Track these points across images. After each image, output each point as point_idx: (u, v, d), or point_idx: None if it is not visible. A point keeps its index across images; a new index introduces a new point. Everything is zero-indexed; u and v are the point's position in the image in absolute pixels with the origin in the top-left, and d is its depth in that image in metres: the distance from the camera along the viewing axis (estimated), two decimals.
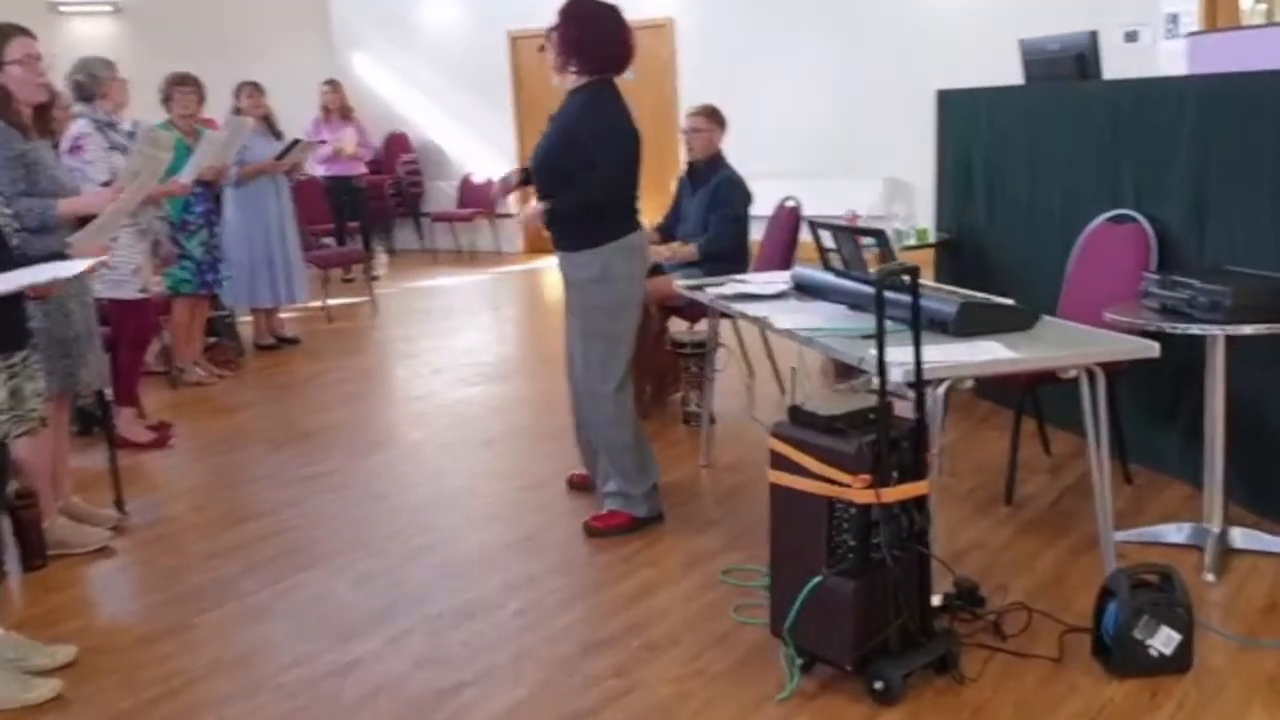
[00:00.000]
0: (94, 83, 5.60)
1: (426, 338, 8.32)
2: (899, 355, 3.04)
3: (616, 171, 4.07)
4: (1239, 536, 3.79)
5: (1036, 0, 8.87)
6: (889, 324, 3.61)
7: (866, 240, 3.78)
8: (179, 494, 5.00)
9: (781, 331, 3.79)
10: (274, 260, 7.76)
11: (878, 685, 2.96)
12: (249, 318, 8.10)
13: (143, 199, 4.38)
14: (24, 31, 4.10)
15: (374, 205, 11.57)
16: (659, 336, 5.87)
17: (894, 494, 2.93)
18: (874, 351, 3.23)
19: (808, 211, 5.76)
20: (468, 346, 8.02)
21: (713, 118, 5.98)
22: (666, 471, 4.91)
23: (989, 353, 3.25)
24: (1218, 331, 3.47)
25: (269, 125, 7.92)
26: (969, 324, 3.43)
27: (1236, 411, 3.75)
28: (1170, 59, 7.98)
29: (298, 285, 7.97)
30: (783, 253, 6.00)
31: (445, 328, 8.76)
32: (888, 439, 2.93)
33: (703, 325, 5.86)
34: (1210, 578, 3.57)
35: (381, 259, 11.61)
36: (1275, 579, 3.58)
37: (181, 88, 6.80)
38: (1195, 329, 3.50)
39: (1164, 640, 3.01)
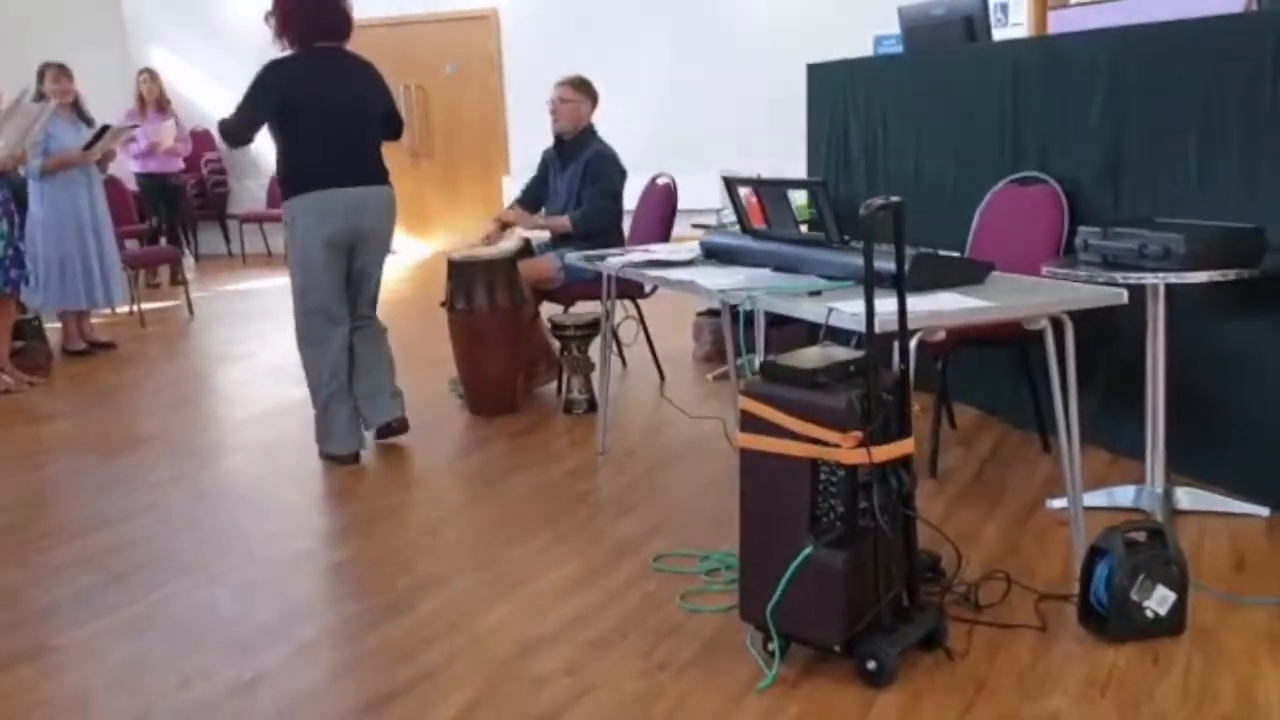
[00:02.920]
0: None
1: (253, 339, 7.69)
2: (856, 309, 2.79)
3: (238, 123, 4.55)
4: (1184, 497, 3.68)
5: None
6: (825, 281, 3.42)
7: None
8: (11, 506, 4.35)
9: (716, 293, 3.49)
10: (88, 259, 7.06)
11: (870, 665, 2.68)
12: (55, 324, 7.33)
13: None
14: None
15: (182, 205, 10.80)
16: (532, 321, 5.49)
17: (886, 452, 2.66)
18: (833, 306, 3.00)
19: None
20: None
21: (580, 89, 5.64)
22: (560, 461, 4.62)
23: (956, 303, 3.03)
24: (1172, 280, 3.34)
25: (78, 112, 7.22)
26: (923, 277, 3.20)
27: (1169, 372, 3.65)
28: None
29: (114, 286, 7.28)
30: (659, 231, 5.71)
31: (271, 328, 8.12)
32: (878, 392, 2.66)
33: (578, 309, 5.54)
34: None
35: (189, 262, 10.81)
36: (1231, 537, 3.47)
37: None
38: (1149, 279, 3.37)
39: (1159, 600, 2.83)
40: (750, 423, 2.77)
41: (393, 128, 4.85)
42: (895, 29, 5.59)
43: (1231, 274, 3.31)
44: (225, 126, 4.58)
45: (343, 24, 4.62)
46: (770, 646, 2.79)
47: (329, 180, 4.52)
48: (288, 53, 4.57)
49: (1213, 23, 3.83)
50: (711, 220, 6.14)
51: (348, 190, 4.54)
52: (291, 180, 4.57)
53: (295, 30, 4.54)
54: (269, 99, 4.48)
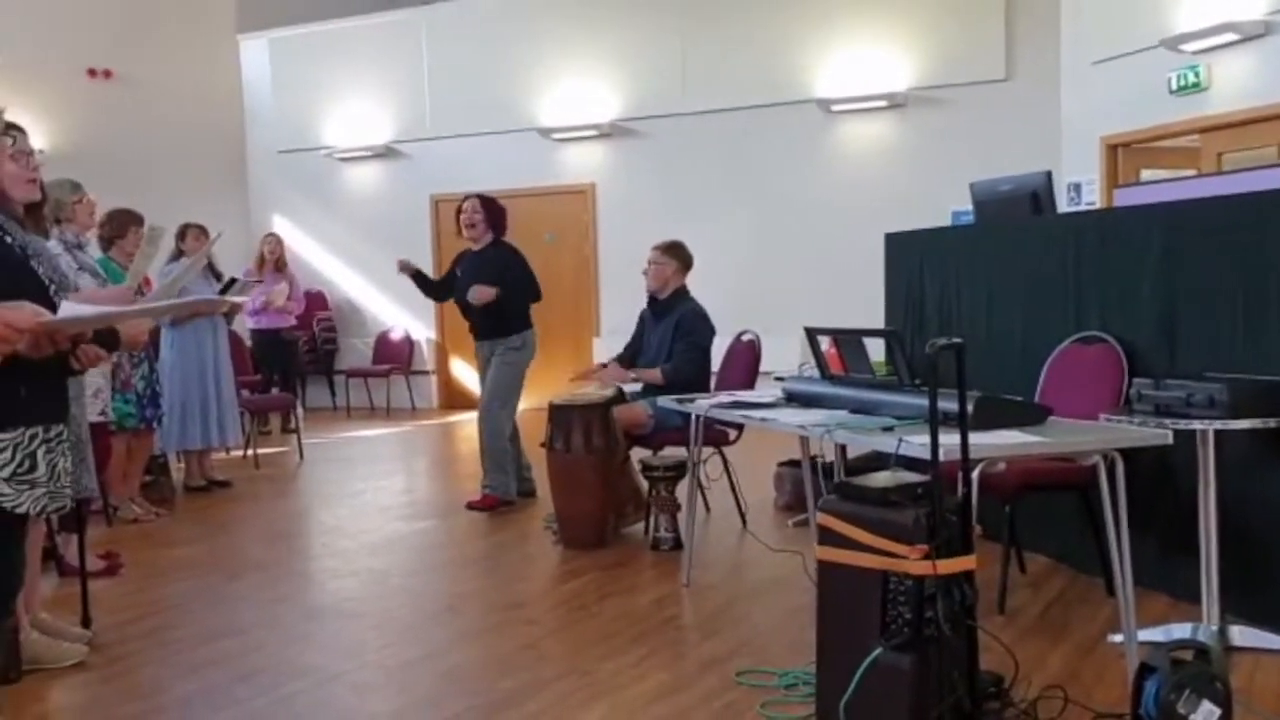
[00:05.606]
0: (59, 207, 5.55)
1: (360, 480, 8.16)
2: (924, 440, 3.13)
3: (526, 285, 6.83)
4: (1237, 634, 3.91)
5: (938, 178, 9.52)
6: (897, 421, 3.77)
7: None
8: (144, 615, 4.76)
9: (796, 429, 3.86)
10: (208, 401, 7.61)
11: None
12: (179, 465, 7.90)
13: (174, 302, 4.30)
14: (14, 127, 4.03)
15: (294, 360, 11.48)
16: (623, 464, 5.89)
17: (949, 566, 2.98)
18: (907, 439, 3.34)
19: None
20: (405, 487, 7.92)
21: (669, 252, 6.15)
22: (648, 591, 4.96)
23: (1015, 439, 3.36)
24: (1218, 426, 3.65)
25: (210, 267, 7.89)
26: (986, 417, 3.54)
27: (1222, 517, 3.91)
28: None
29: (230, 427, 7.81)
30: (743, 384, 6.10)
31: (377, 471, 8.64)
32: (942, 510, 2.99)
33: (666, 452, 5.91)
34: None
35: (298, 412, 11.43)
36: None
37: (140, 228, 6.74)
38: (1196, 425, 3.68)
39: (1205, 715, 3.06)
40: (827, 536, 3.11)
41: None
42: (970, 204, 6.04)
43: (1272, 422, 3.62)
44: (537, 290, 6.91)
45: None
46: None
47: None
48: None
49: (1254, 197, 4.22)
50: None
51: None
52: (526, 317, 6.83)
53: (504, 228, 6.85)
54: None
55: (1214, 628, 3.90)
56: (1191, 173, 8.52)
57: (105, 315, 3.05)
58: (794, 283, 10.58)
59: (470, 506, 6.63)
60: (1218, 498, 3.89)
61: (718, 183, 11.11)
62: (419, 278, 7.19)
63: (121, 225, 6.75)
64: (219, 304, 6.50)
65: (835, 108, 10.64)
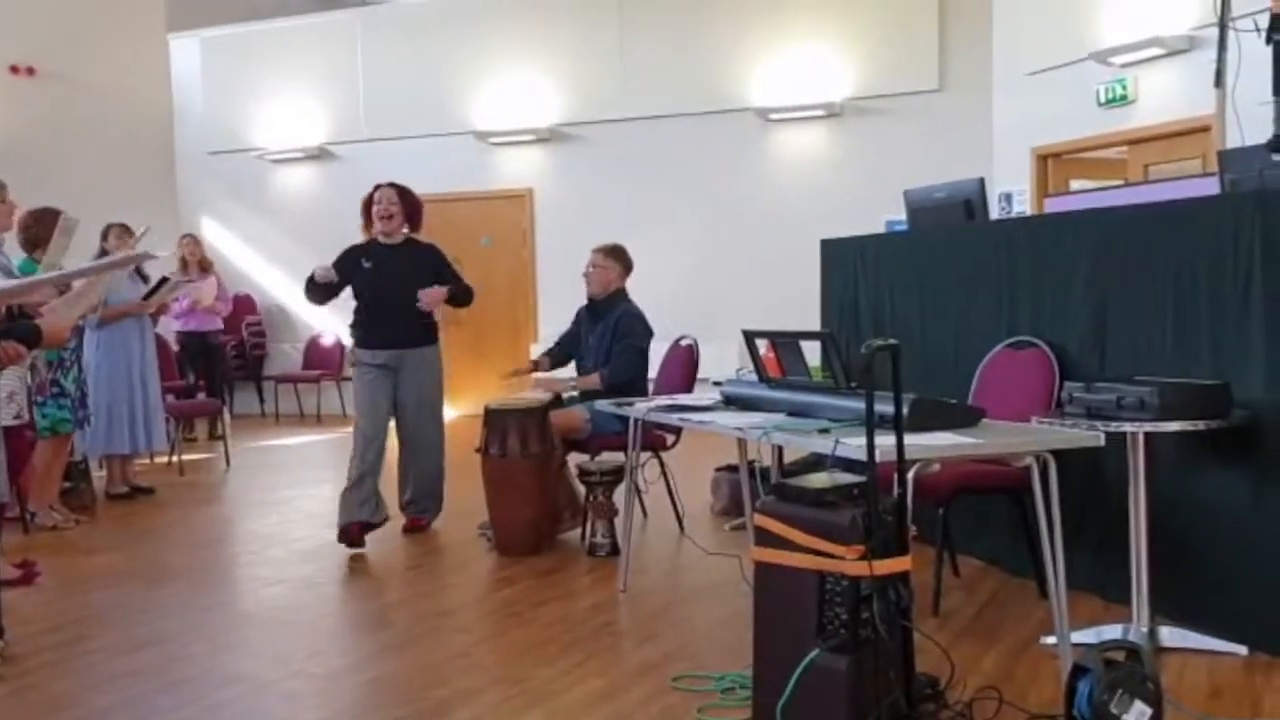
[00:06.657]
0: None
1: (288, 488, 8.03)
2: (860, 442, 3.12)
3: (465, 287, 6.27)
4: (1167, 635, 3.95)
5: (873, 187, 9.63)
6: (833, 424, 3.76)
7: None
8: (62, 625, 4.62)
9: (734, 431, 3.84)
10: (134, 406, 7.44)
11: None
12: (100, 472, 7.71)
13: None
14: None
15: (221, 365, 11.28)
16: (560, 469, 5.84)
17: (885, 566, 2.97)
18: (844, 440, 3.33)
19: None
20: (335, 494, 7.73)
21: (612, 255, 6.12)
22: (585, 597, 4.90)
23: (949, 440, 3.37)
24: (1148, 428, 3.69)
25: (137, 270, 7.72)
26: (920, 419, 3.54)
27: (1152, 519, 3.95)
28: None
29: (155, 432, 7.64)
30: (681, 388, 6.09)
31: (306, 478, 8.51)
32: (878, 511, 2.98)
33: (603, 457, 5.87)
34: None
35: (225, 418, 11.23)
36: (1210, 670, 3.73)
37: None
38: (1127, 427, 3.71)
39: (1137, 715, 3.08)
40: (764, 537, 3.09)
41: None
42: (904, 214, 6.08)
43: (1201, 424, 3.66)
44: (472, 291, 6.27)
45: None
46: None
47: None
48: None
49: (1182, 205, 4.28)
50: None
51: None
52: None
53: (419, 222, 6.33)
54: None
55: (1144, 629, 3.93)
56: (1119, 183, 8.65)
57: (14, 287, 2.98)
58: (732, 288, 10.62)
59: (408, 530, 6.17)
60: (1148, 500, 3.92)
61: (656, 189, 11.12)
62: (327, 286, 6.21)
63: (48, 228, 6.54)
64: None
65: (773, 116, 10.69)
